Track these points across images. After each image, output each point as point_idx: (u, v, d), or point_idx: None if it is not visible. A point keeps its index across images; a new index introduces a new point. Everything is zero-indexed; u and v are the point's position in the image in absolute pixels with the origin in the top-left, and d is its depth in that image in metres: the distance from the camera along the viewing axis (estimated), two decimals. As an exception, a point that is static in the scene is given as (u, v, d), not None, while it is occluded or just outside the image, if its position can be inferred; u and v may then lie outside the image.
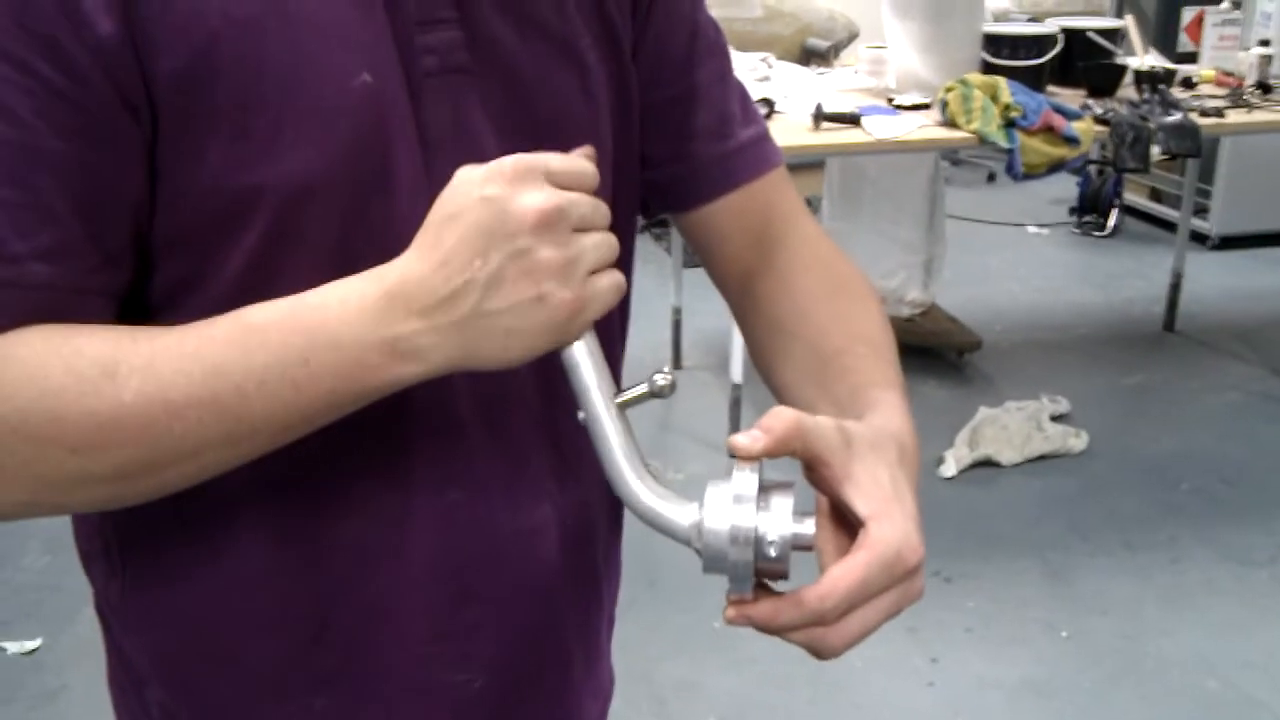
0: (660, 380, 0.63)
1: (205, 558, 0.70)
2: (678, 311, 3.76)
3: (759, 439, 0.59)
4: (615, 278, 0.62)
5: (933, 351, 3.79)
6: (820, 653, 0.60)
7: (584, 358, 0.62)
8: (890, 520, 0.59)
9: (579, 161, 0.62)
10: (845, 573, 0.58)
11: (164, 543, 0.70)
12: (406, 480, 0.71)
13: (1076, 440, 3.25)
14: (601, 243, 0.61)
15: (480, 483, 0.73)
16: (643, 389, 0.63)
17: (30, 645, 2.44)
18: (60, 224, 0.59)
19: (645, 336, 3.82)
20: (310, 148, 0.61)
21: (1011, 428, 3.24)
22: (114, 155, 0.59)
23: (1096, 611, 2.58)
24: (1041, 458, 3.19)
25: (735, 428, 3.17)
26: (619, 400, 0.63)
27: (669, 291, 3.78)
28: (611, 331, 0.80)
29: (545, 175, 0.59)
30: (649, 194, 0.83)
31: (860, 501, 0.60)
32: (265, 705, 0.74)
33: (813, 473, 0.62)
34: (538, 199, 0.58)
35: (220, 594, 0.71)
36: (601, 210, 0.61)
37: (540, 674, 0.80)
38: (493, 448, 0.73)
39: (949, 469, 3.10)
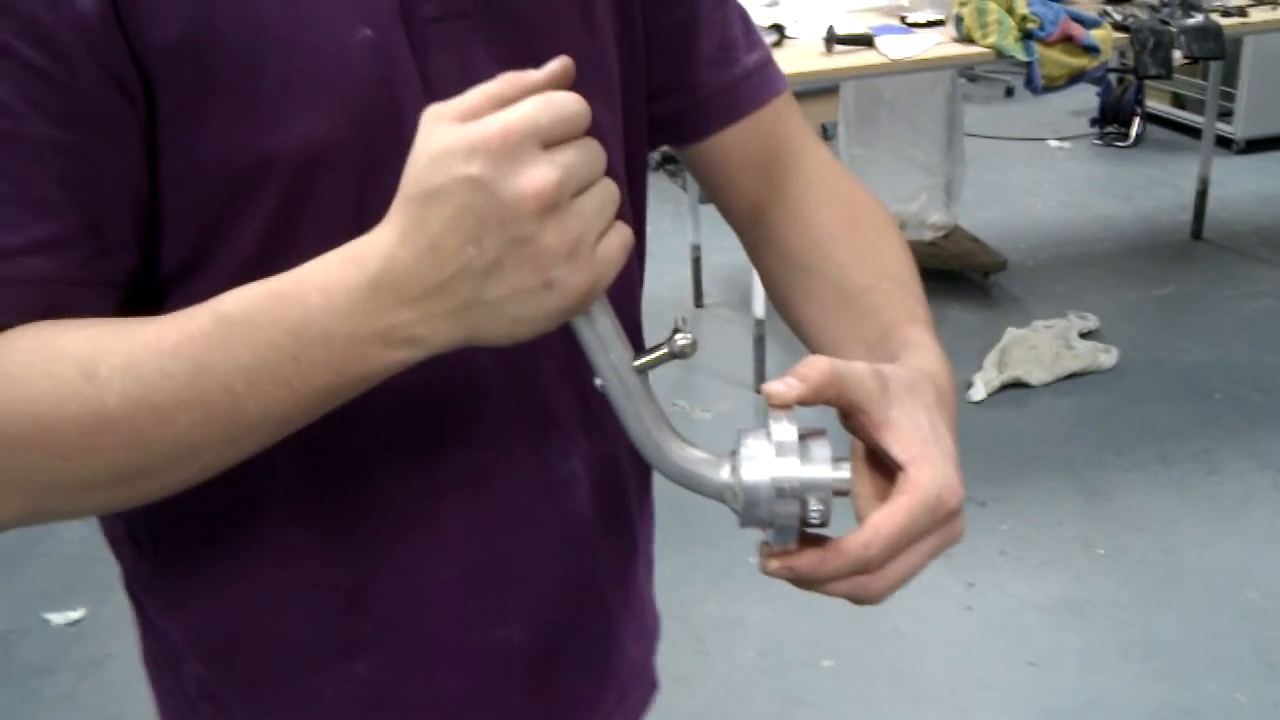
0: (680, 341, 0.59)
1: (234, 536, 0.69)
2: (696, 249, 3.73)
3: (794, 386, 0.57)
4: (623, 237, 0.55)
5: (957, 274, 3.75)
6: (863, 600, 0.59)
7: (597, 324, 0.58)
8: (930, 463, 0.58)
9: (568, 104, 0.52)
10: (887, 519, 0.56)
11: (192, 522, 0.69)
12: (436, 446, 0.70)
13: (1106, 356, 3.22)
14: (605, 201, 0.54)
15: (509, 441, 0.72)
16: (663, 351, 0.59)
17: (74, 615, 2.48)
18: (55, 215, 0.57)
19: (664, 275, 3.79)
20: (317, 111, 0.59)
21: (1040, 347, 3.21)
22: (108, 137, 0.57)
23: (1133, 528, 2.57)
24: (1071, 376, 3.16)
25: (760, 364, 3.16)
26: (638, 364, 0.59)
27: (687, 229, 3.75)
28: (630, 274, 0.78)
29: (537, 139, 0.51)
30: (651, 127, 0.80)
31: (898, 446, 0.58)
32: (306, 675, 0.73)
33: (849, 419, 0.60)
34: (535, 180, 0.50)
35: (251, 571, 0.70)
36: (599, 157, 0.54)
37: (579, 623, 0.80)
38: (520, 406, 0.71)
39: (978, 392, 3.08)
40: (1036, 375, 3.14)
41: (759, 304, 3.09)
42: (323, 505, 0.69)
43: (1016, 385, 3.13)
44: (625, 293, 0.78)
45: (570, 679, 0.80)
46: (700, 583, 2.44)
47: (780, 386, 0.57)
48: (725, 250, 3.76)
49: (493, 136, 0.50)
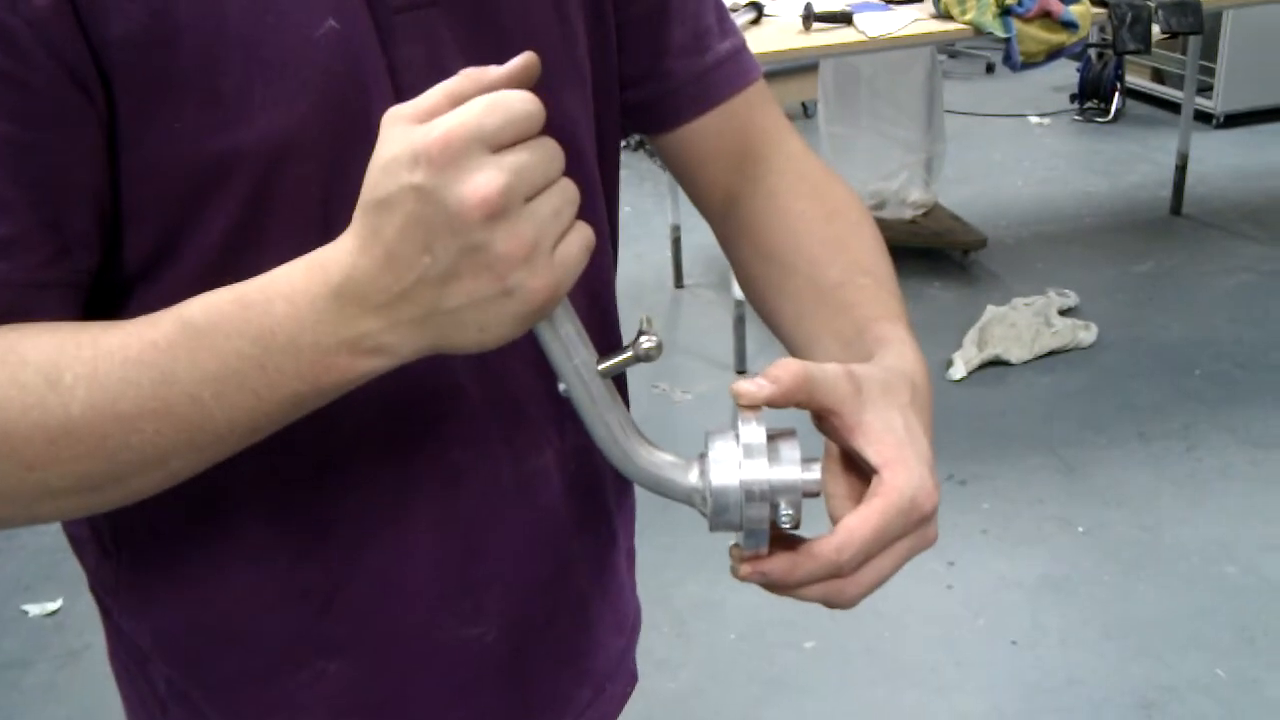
0: (646, 344, 0.58)
1: (202, 538, 0.68)
2: (676, 229, 3.70)
3: (764, 387, 0.56)
4: (584, 237, 0.54)
5: (937, 252, 3.74)
6: (836, 605, 0.59)
7: (560, 328, 0.56)
8: (904, 466, 0.57)
9: (518, 104, 0.50)
10: (861, 522, 0.56)
11: (158, 524, 0.68)
12: (406, 445, 0.69)
13: (1086, 333, 3.22)
14: (563, 203, 0.53)
15: (480, 439, 0.71)
16: (628, 354, 0.58)
17: (51, 607, 2.46)
18: (10, 215, 0.55)
19: (645, 256, 3.78)
20: (283, 105, 0.58)
21: (1020, 325, 3.21)
22: (66, 135, 0.55)
23: (1113, 504, 2.58)
24: (1051, 353, 3.17)
25: (740, 345, 3.15)
26: (602, 368, 0.58)
27: (666, 210, 3.72)
28: (601, 266, 0.77)
29: (482, 144, 0.49)
30: (623, 115, 0.79)
31: (872, 449, 0.57)
32: (277, 675, 0.72)
33: (822, 421, 0.59)
34: (479, 186, 0.49)
35: (220, 573, 0.69)
36: (555, 157, 0.52)
37: (553, 619, 0.79)
38: (491, 403, 0.71)
39: (958, 371, 3.08)
40: (1016, 353, 3.14)
41: (739, 285, 3.08)
42: (293, 505, 0.68)
43: (996, 363, 3.14)
44: (597, 285, 0.77)
45: (545, 675, 0.80)
46: (680, 565, 2.44)
47: (750, 386, 0.56)
48: (705, 231, 3.68)
49: (434, 143, 0.48)
